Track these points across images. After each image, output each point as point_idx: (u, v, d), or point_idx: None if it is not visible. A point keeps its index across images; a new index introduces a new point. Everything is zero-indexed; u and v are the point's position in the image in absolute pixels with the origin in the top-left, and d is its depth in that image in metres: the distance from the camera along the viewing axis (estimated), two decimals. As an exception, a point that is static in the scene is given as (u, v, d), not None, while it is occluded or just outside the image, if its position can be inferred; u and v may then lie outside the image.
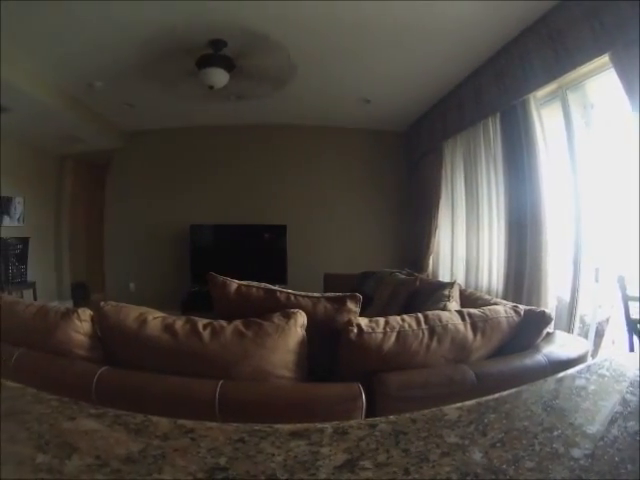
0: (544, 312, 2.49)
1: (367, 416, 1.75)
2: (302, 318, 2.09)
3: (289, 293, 2.33)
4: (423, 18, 4.24)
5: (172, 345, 1.95)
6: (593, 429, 0.83)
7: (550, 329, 2.57)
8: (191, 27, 4.46)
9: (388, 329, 2.09)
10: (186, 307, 7.25)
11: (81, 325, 2.07)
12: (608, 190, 4.02)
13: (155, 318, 2.04)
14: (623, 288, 3.54)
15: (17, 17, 4.05)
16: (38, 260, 8.16)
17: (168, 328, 1.99)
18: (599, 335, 4.18)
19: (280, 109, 7.34)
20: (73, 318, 2.07)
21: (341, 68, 5.58)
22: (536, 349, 2.34)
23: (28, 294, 7.60)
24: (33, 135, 7.45)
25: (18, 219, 7.83)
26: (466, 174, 6.07)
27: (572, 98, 4.22)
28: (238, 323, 2.02)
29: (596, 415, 0.92)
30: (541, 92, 4.37)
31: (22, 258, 7.60)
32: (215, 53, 4.88)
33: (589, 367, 1.18)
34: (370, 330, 2.06)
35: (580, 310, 4.15)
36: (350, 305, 2.27)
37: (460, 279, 5.79)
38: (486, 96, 5.16)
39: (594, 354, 3.76)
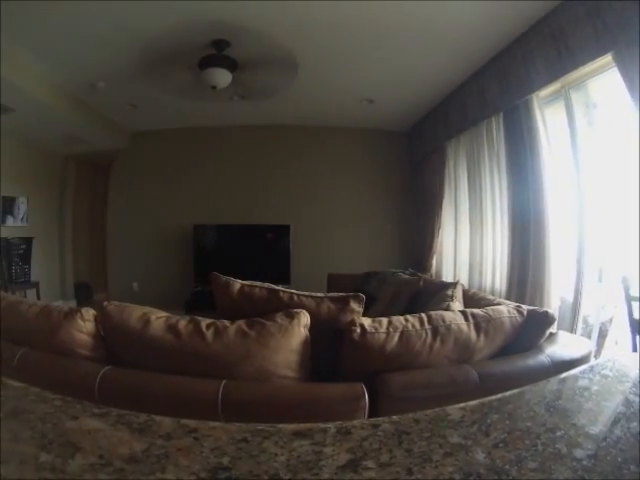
0: (547, 312, 2.48)
1: (370, 416, 1.75)
2: (305, 318, 2.09)
3: (292, 293, 2.34)
4: (426, 18, 4.23)
5: (175, 345, 1.95)
6: (596, 430, 0.83)
7: (553, 329, 2.57)
8: (194, 27, 4.46)
9: (391, 329, 2.09)
10: (189, 307, 7.26)
11: (84, 325, 2.08)
12: (611, 190, 4.01)
13: (158, 318, 2.05)
14: (626, 288, 3.53)
15: (18, 17, 4.06)
16: (41, 260, 8.17)
17: (171, 328, 1.99)
18: (602, 335, 4.17)
19: (283, 109, 7.33)
20: (76, 318, 2.07)
21: (344, 68, 5.57)
22: (539, 349, 2.35)
23: (31, 294, 7.60)
24: (36, 135, 7.45)
25: (22, 219, 7.84)
26: (469, 174, 6.06)
27: (575, 97, 4.21)
28: (241, 323, 2.02)
29: (599, 416, 0.92)
30: (544, 92, 4.37)
31: (25, 258, 7.61)
32: (218, 53, 4.87)
33: (592, 367, 1.18)
34: (373, 330, 2.06)
35: (583, 310, 4.14)
36: (353, 305, 2.28)
37: (463, 279, 5.77)
38: (489, 96, 5.15)
39: (597, 354, 3.75)
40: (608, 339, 4.17)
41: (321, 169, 8.33)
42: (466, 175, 6.17)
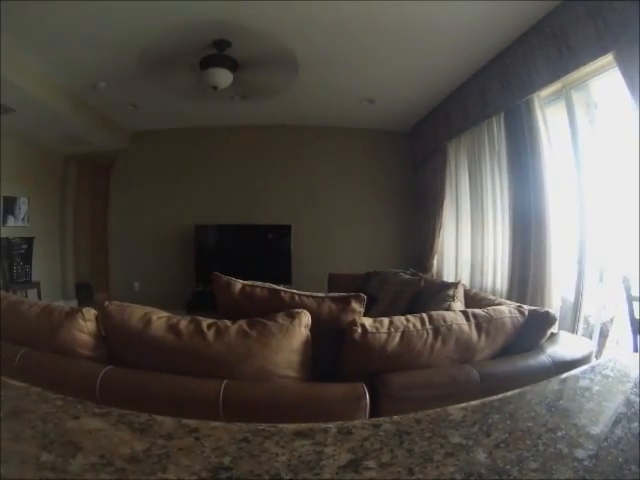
0: (548, 312, 2.48)
1: (371, 416, 1.75)
2: (306, 318, 2.09)
3: (293, 293, 2.34)
4: (426, 18, 4.23)
5: (176, 345, 1.95)
6: (597, 430, 0.83)
7: (554, 329, 2.57)
8: (195, 28, 4.46)
9: (392, 329, 2.09)
10: (190, 307, 7.26)
11: (85, 325, 2.08)
12: (612, 190, 4.01)
13: (159, 318, 2.05)
14: (628, 288, 3.53)
15: (19, 17, 4.06)
16: (43, 260, 8.17)
17: (172, 328, 1.99)
18: (603, 336, 4.17)
19: (284, 109, 7.34)
20: (77, 318, 2.07)
21: (345, 68, 5.57)
22: (540, 349, 2.35)
23: (32, 293, 7.61)
24: (37, 136, 7.46)
25: (23, 219, 7.85)
26: (470, 174, 6.06)
27: (576, 97, 4.21)
28: (242, 323, 2.02)
29: (600, 416, 0.92)
30: (545, 91, 4.37)
31: (27, 258, 7.62)
32: (219, 53, 4.88)
33: (593, 368, 1.18)
34: (374, 330, 2.06)
35: (584, 310, 4.14)
36: (354, 305, 2.28)
37: (464, 279, 5.77)
38: (490, 96, 5.15)
39: (598, 355, 3.75)
40: (609, 339, 4.16)
41: (322, 169, 8.34)
42: (467, 175, 6.17)
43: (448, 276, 6.73)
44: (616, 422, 0.86)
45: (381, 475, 0.68)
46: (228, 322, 2.03)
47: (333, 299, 2.32)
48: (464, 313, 2.31)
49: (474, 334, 2.20)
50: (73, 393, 0.96)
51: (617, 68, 3.24)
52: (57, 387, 1.03)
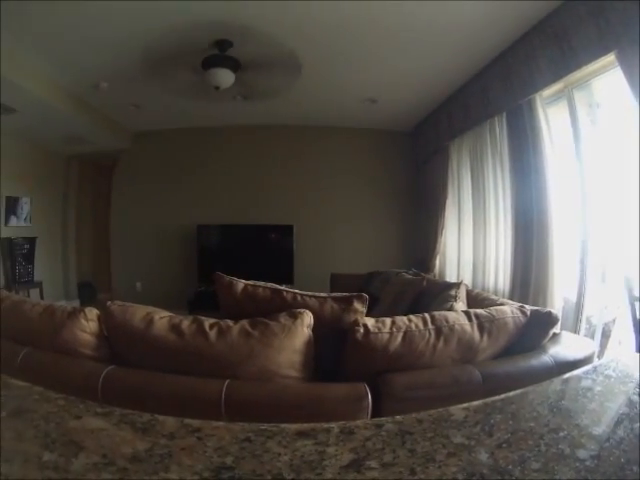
0: (550, 313, 2.48)
1: (373, 416, 1.75)
2: (308, 318, 2.09)
3: (295, 293, 2.34)
4: (428, 18, 4.23)
5: (178, 345, 1.95)
6: (599, 430, 0.83)
7: (556, 330, 2.56)
8: (196, 28, 4.46)
9: (394, 329, 2.09)
10: (193, 307, 7.27)
11: (88, 324, 2.08)
12: (615, 189, 4.01)
13: (162, 318, 2.05)
14: (630, 289, 3.53)
15: (20, 17, 4.07)
16: (45, 260, 8.20)
17: (174, 328, 1.99)
18: (605, 336, 4.17)
19: (286, 109, 7.34)
20: (80, 317, 2.08)
21: (346, 68, 5.57)
22: (542, 350, 2.34)
23: (35, 293, 7.63)
24: (39, 136, 7.48)
25: (25, 219, 7.86)
26: (472, 174, 6.06)
27: (578, 97, 4.20)
28: (244, 323, 2.03)
29: (602, 416, 0.92)
30: (547, 91, 4.36)
31: (29, 258, 7.64)
32: (221, 53, 4.88)
33: (595, 368, 1.18)
34: (376, 330, 2.06)
35: (587, 311, 4.14)
36: (357, 305, 2.28)
37: (467, 279, 5.77)
38: (492, 95, 5.15)
39: (600, 355, 3.75)
40: (611, 339, 4.16)
41: (324, 169, 8.34)
42: (469, 175, 6.17)
43: (450, 276, 6.73)
44: (618, 422, 0.86)
45: (383, 475, 0.68)
46: (230, 322, 2.03)
47: (335, 299, 2.32)
48: (466, 313, 2.31)
49: (476, 334, 2.20)
50: (75, 393, 0.96)
51: (619, 68, 3.24)
52: (59, 387, 1.03)
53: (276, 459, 0.73)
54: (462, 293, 3.60)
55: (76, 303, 8.70)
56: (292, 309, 2.14)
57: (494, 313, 2.33)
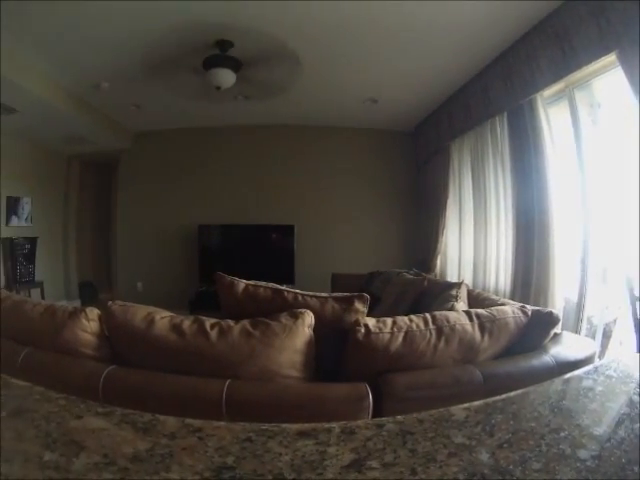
0: (552, 313, 2.48)
1: (374, 416, 1.75)
2: (309, 318, 2.09)
3: (296, 293, 2.34)
4: (428, 18, 4.23)
5: (179, 345, 1.96)
6: (600, 430, 0.83)
7: (557, 330, 2.56)
8: (197, 28, 4.46)
9: (395, 329, 2.09)
10: (194, 307, 7.28)
11: (89, 324, 2.08)
12: (616, 189, 4.00)
13: (163, 318, 2.05)
14: (631, 289, 3.52)
15: (21, 17, 4.07)
16: (46, 260, 8.22)
17: (175, 328, 1.99)
18: (606, 336, 4.16)
19: (287, 109, 7.34)
20: (81, 317, 2.08)
21: (347, 68, 5.57)
22: (543, 350, 2.34)
23: (36, 293, 7.65)
24: (40, 136, 7.50)
25: (26, 219, 7.87)
26: (473, 174, 6.06)
27: (579, 97, 4.20)
28: (245, 323, 2.03)
29: (603, 416, 0.92)
30: (548, 91, 4.36)
31: (30, 258, 7.66)
32: (222, 54, 4.88)
33: (596, 368, 1.17)
34: (377, 330, 2.06)
35: (588, 311, 4.14)
36: (358, 305, 2.27)
37: (468, 279, 5.77)
38: (493, 95, 5.15)
39: (601, 355, 3.74)
40: (612, 340, 4.16)
41: (325, 169, 8.34)
42: (470, 175, 6.17)
43: (451, 276, 6.73)
44: (619, 423, 0.86)
45: (384, 475, 0.68)
46: (231, 322, 2.03)
47: (336, 299, 2.32)
48: (467, 313, 2.31)
49: (477, 334, 2.20)
50: (76, 392, 0.96)
51: (620, 68, 3.24)
52: (60, 386, 1.03)
53: (277, 459, 0.73)
54: (463, 293, 3.60)
55: (77, 303, 8.71)
56: (293, 309, 2.14)
57: (495, 313, 2.33)
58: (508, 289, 4.94)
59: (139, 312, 2.07)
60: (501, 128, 5.17)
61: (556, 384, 1.11)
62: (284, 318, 2.05)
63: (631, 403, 0.97)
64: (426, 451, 0.75)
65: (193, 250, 8.21)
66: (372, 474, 0.69)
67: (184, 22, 4.35)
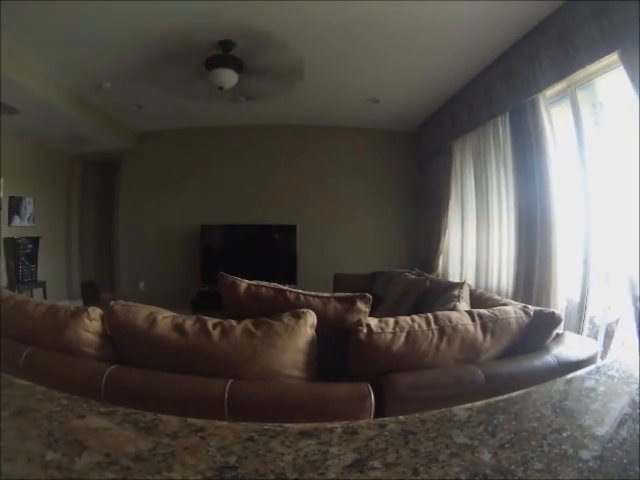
0: (554, 313, 2.48)
1: (376, 416, 1.75)
2: (312, 318, 2.09)
3: (299, 293, 2.34)
4: (431, 18, 4.23)
5: (182, 344, 1.96)
6: (602, 431, 0.83)
7: (560, 330, 2.56)
8: (200, 28, 4.47)
9: (398, 329, 2.09)
10: (196, 307, 7.27)
11: (91, 324, 2.08)
12: (618, 189, 4.00)
13: (165, 317, 2.05)
14: (633, 289, 3.52)
15: (22, 17, 4.07)
16: (48, 259, 8.22)
17: (178, 327, 1.99)
18: (609, 336, 4.15)
19: (289, 109, 7.34)
20: (83, 317, 2.08)
21: (349, 68, 5.58)
22: (546, 350, 2.34)
23: (38, 293, 7.65)
24: (42, 136, 7.50)
25: (28, 219, 7.88)
26: (476, 174, 6.05)
27: (581, 97, 4.19)
28: (248, 323, 2.03)
29: (605, 417, 0.92)
30: (550, 91, 4.35)
31: (32, 257, 7.66)
32: (224, 54, 4.88)
33: (598, 368, 1.17)
34: (380, 330, 2.06)
35: (590, 311, 4.13)
36: (360, 305, 2.27)
37: (470, 279, 5.76)
38: (495, 95, 5.14)
39: (603, 355, 3.73)
40: (614, 340, 4.15)
41: (327, 169, 8.34)
42: (472, 175, 6.16)
43: (453, 276, 6.72)
44: (621, 423, 0.86)
45: (386, 475, 0.68)
46: (233, 322, 2.03)
47: (338, 299, 2.32)
48: (469, 313, 2.31)
49: (479, 334, 2.20)
50: (78, 392, 0.96)
51: (622, 67, 3.24)
52: (62, 386, 1.03)
53: (279, 459, 0.73)
54: (465, 293, 3.60)
55: (79, 303, 8.70)
56: (295, 309, 2.14)
57: (497, 313, 2.33)
58: (510, 289, 4.94)
59: (141, 312, 2.07)
60: (503, 128, 5.16)
61: (558, 384, 1.11)
62: (286, 318, 2.05)
63: (633, 403, 0.97)
64: (428, 451, 0.75)
65: (195, 250, 8.21)
66: (374, 474, 0.69)
67: (185, 22, 4.35)
